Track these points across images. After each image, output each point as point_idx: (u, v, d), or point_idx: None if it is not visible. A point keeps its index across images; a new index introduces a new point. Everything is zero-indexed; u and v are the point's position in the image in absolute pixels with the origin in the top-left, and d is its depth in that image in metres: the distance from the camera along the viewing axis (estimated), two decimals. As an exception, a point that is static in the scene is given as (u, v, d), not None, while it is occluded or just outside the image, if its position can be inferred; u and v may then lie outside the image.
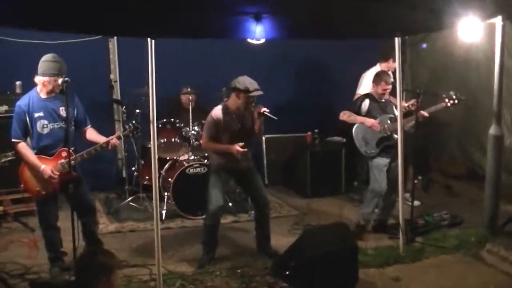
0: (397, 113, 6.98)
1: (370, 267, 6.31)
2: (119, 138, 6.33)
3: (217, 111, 6.38)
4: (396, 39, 6.36)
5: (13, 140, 5.83)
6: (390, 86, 7.18)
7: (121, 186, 9.15)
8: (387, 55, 8.19)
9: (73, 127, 5.98)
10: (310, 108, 9.92)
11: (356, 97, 8.08)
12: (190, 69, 9.17)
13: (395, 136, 6.97)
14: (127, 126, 6.33)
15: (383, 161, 7.14)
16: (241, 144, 6.22)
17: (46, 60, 5.78)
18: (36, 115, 5.78)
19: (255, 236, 6.84)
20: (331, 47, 9.49)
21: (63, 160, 5.83)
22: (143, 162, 8.68)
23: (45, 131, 5.83)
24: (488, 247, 6.65)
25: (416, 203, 7.77)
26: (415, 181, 7.56)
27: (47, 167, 5.77)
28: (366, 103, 7.25)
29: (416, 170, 7.93)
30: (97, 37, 8.16)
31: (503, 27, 6.62)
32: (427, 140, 9.03)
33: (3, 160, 6.66)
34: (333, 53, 9.74)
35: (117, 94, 9.51)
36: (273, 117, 6.23)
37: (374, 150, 7.16)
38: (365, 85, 8.36)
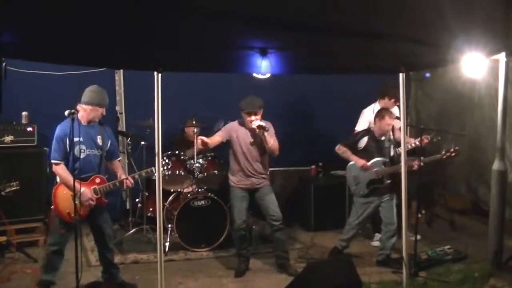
0: (399, 152, 7.08)
1: (374, 301, 6.30)
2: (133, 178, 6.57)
3: (235, 122, 7.19)
4: (401, 74, 6.39)
5: (52, 161, 6.03)
6: (393, 121, 7.23)
7: (124, 218, 9.13)
8: (383, 93, 8.26)
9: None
10: (314, 141, 9.96)
11: (355, 133, 8.11)
12: (195, 101, 9.23)
13: (387, 181, 7.20)
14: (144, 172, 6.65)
15: (366, 199, 7.34)
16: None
17: (92, 91, 6.13)
18: (76, 139, 5.95)
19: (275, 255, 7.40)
20: (335, 82, 9.55)
21: (96, 186, 6.08)
22: (147, 194, 8.68)
23: (82, 155, 6.03)
24: (492, 282, 6.63)
25: (418, 237, 7.77)
26: (419, 215, 7.57)
27: (86, 189, 5.94)
28: (364, 140, 7.33)
29: (420, 204, 7.95)
30: (103, 68, 8.24)
31: (507, 63, 6.68)
32: (431, 174, 9.04)
33: (7, 190, 6.73)
34: (337, 87, 9.80)
35: (122, 126, 9.56)
36: (263, 124, 6.78)
37: (363, 191, 7.33)
38: (363, 122, 8.34)
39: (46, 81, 8.28)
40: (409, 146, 7.51)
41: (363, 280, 6.19)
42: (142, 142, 8.41)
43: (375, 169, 7.20)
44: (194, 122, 8.51)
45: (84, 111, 6.10)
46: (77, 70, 8.24)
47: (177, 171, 8.37)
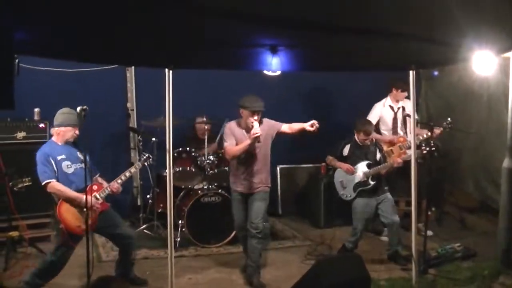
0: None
1: (383, 298, 6.31)
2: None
3: (230, 123, 6.87)
4: (411, 72, 6.39)
5: (44, 182, 6.00)
6: (369, 137, 7.56)
7: (135, 214, 9.19)
8: (393, 86, 8.40)
9: None
10: (325, 139, 9.96)
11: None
12: (205, 98, 9.27)
13: (371, 182, 7.42)
14: (143, 156, 6.86)
15: (363, 201, 7.45)
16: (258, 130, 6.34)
17: (63, 113, 6.24)
18: (59, 157, 6.09)
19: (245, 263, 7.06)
20: (346, 79, 9.57)
21: (95, 193, 6.15)
22: (158, 190, 8.73)
23: (70, 170, 6.13)
24: (502, 280, 6.61)
25: (429, 233, 7.78)
26: (429, 213, 7.59)
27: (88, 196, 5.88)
28: (346, 149, 7.72)
29: (430, 202, 7.97)
30: (115, 65, 8.28)
31: (517, 60, 6.66)
32: (440, 173, 9.04)
33: (19, 186, 6.80)
34: (348, 84, 9.81)
35: (133, 123, 9.60)
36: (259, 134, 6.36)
37: (351, 194, 7.56)
38: (373, 116, 8.69)
39: (58, 78, 8.33)
40: (420, 138, 7.65)
41: (372, 276, 6.19)
42: (153, 139, 8.44)
43: (360, 171, 7.49)
44: (204, 119, 8.54)
45: (57, 134, 6.23)
46: (89, 67, 8.29)
47: (188, 168, 8.41)
